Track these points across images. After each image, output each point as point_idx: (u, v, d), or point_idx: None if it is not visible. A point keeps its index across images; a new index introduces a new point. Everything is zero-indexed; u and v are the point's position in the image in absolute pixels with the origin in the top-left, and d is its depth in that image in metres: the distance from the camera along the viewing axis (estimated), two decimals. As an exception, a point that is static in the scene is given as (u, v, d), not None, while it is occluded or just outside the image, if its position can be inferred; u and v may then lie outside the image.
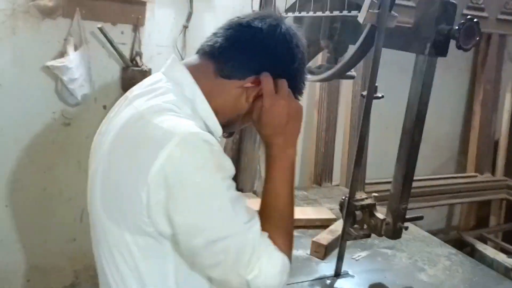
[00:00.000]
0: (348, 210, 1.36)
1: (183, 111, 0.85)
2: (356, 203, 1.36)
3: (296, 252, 1.52)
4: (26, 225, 2.09)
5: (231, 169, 0.83)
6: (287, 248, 0.88)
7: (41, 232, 2.11)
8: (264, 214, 0.89)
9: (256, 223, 0.85)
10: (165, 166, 0.77)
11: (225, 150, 2.09)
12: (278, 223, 0.90)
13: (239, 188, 2.00)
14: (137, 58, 2.06)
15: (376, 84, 1.32)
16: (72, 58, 1.86)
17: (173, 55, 0.99)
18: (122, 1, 2.00)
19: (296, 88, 0.99)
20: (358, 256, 1.59)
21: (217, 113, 0.91)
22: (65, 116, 2.05)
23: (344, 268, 1.44)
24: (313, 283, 1.40)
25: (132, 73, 2.05)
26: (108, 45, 1.99)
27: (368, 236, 1.41)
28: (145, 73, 2.10)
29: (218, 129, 0.91)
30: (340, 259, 1.42)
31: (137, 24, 2.05)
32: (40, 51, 1.89)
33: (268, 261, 0.84)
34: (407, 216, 1.40)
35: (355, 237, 1.37)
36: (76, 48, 1.89)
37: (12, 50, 1.87)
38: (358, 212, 1.35)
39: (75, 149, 2.10)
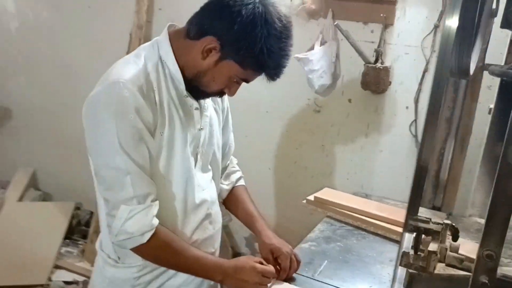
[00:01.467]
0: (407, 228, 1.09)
1: (145, 66, 1.07)
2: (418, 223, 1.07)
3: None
4: (280, 186, 2.58)
5: (134, 119, 1.01)
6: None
7: (288, 194, 2.55)
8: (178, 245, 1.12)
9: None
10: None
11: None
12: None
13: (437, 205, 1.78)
14: (380, 57, 2.12)
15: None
16: (315, 52, 2.16)
17: (170, 23, 1.15)
18: (372, 1, 2.10)
19: (258, 66, 1.02)
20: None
21: (183, 69, 1.09)
22: (317, 104, 2.38)
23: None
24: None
25: (373, 71, 2.13)
26: (359, 42, 2.14)
27: (424, 270, 1.06)
28: (387, 71, 2.13)
29: (182, 84, 1.09)
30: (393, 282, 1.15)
31: (385, 23, 2.10)
32: (298, 45, 2.28)
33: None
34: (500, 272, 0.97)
35: (408, 265, 1.08)
36: (322, 44, 2.18)
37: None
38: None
39: (321, 133, 2.39)
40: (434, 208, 1.79)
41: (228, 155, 1.39)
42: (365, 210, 1.62)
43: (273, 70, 1.06)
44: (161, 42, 1.11)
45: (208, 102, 1.21)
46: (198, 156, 1.19)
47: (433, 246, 1.03)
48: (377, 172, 2.30)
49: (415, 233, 1.08)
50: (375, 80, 2.12)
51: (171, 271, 1.18)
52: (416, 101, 2.13)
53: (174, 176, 1.12)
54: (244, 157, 1.56)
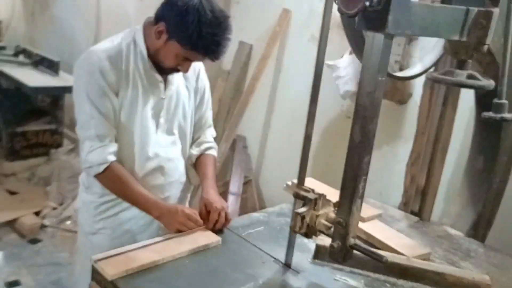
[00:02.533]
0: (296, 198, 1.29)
1: (120, 43, 1.46)
2: (302, 192, 1.26)
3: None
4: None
5: (98, 78, 1.40)
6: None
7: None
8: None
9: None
10: None
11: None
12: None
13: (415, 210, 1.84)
14: (402, 68, 2.21)
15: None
16: (343, 60, 2.34)
17: (148, 16, 1.50)
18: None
19: (191, 45, 1.36)
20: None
21: (148, 48, 1.45)
22: (349, 111, 2.53)
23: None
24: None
25: (390, 81, 2.23)
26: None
27: (307, 236, 1.24)
28: (404, 82, 2.22)
29: (145, 58, 1.47)
30: (289, 248, 1.33)
31: (410, 37, 2.19)
32: (334, 54, 2.46)
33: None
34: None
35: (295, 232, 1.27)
36: (351, 53, 2.35)
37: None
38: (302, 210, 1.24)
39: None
40: (412, 213, 1.85)
41: (204, 128, 1.71)
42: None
43: (205, 50, 1.38)
44: (137, 29, 1.49)
45: (176, 80, 1.55)
46: (161, 120, 1.54)
47: (302, 210, 1.21)
48: (395, 182, 2.36)
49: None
50: (392, 90, 2.22)
51: (125, 204, 1.54)
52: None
53: (134, 129, 1.49)
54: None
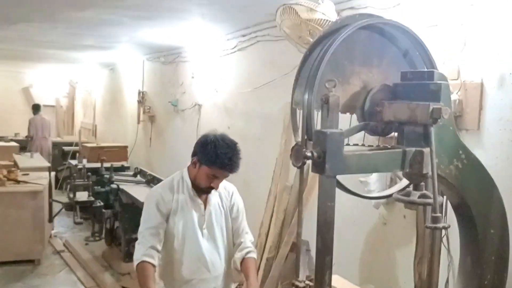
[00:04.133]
0: None
1: (172, 181, 2.21)
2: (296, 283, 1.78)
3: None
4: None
5: (153, 208, 2.13)
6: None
7: None
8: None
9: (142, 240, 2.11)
10: None
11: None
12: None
13: None
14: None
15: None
16: (372, 177, 2.86)
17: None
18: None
19: (211, 163, 2.09)
20: None
21: (191, 180, 2.19)
22: (384, 218, 2.97)
23: None
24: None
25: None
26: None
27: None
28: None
29: (190, 186, 2.19)
30: (293, 326, 1.82)
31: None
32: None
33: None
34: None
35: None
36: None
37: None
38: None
39: (389, 245, 2.93)
40: (420, 306, 2.20)
41: (242, 234, 2.33)
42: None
43: (222, 165, 2.10)
44: (184, 170, 2.26)
45: (213, 202, 2.25)
46: (204, 231, 2.21)
47: (293, 294, 1.72)
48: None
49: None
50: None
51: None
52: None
53: (185, 238, 2.19)
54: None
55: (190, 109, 5.81)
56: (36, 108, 10.75)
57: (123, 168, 6.50)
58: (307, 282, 1.76)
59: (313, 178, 3.49)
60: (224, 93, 5.02)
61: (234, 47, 4.73)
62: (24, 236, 5.24)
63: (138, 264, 2.12)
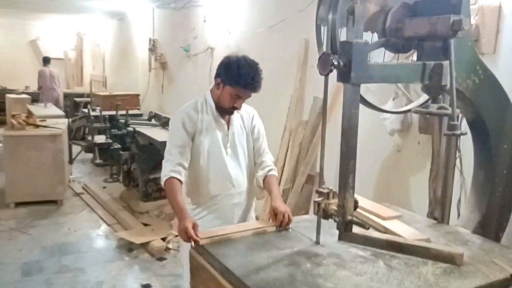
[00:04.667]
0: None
1: (196, 102, 2.32)
2: (320, 190, 1.91)
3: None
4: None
5: (180, 127, 2.25)
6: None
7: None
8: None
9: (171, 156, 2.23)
10: None
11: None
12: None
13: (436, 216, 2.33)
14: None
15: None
16: (388, 105, 2.94)
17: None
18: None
19: (235, 83, 2.19)
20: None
21: (215, 101, 2.29)
22: (399, 145, 3.08)
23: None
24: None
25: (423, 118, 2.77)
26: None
27: (325, 218, 1.87)
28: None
29: (213, 108, 2.30)
30: (318, 230, 1.96)
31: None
32: (378, 101, 3.06)
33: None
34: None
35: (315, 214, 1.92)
36: (394, 99, 2.94)
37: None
38: (318, 198, 1.90)
39: (403, 171, 3.06)
40: (434, 218, 2.34)
41: (263, 154, 2.45)
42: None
43: (245, 84, 2.18)
44: (207, 92, 2.35)
45: (235, 123, 2.36)
46: (228, 150, 2.34)
47: (318, 199, 1.85)
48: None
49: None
50: (426, 126, 2.75)
51: (212, 207, 2.34)
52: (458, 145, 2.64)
53: (213, 157, 2.31)
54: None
55: (203, 53, 5.84)
56: (45, 60, 10.84)
57: (137, 115, 6.62)
58: (330, 187, 1.88)
59: (330, 108, 3.58)
60: (237, 34, 5.04)
61: (247, -14, 4.72)
62: (46, 178, 5.44)
63: (166, 180, 2.24)
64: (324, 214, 1.87)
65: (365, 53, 1.65)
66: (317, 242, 1.97)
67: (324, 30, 1.88)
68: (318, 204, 1.86)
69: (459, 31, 1.72)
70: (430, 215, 2.39)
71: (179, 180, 2.26)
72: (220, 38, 5.44)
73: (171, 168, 2.26)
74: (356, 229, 1.85)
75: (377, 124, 3.09)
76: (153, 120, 5.96)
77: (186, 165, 2.30)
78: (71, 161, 5.73)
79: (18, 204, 5.47)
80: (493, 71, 2.42)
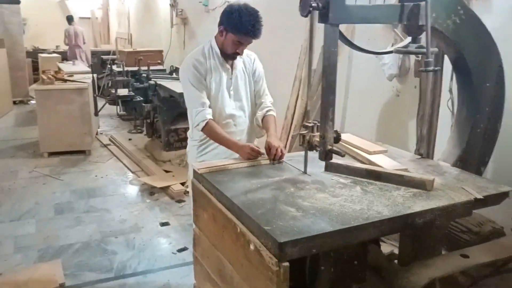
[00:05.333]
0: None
1: (203, 49, 2.49)
2: (305, 124, 2.11)
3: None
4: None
5: (193, 70, 2.44)
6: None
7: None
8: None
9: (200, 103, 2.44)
10: None
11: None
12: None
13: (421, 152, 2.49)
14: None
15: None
16: (386, 49, 3.05)
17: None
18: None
19: (237, 30, 2.34)
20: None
21: (219, 48, 2.46)
22: (398, 90, 3.21)
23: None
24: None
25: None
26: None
27: (310, 149, 2.07)
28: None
29: (219, 53, 2.47)
30: (305, 161, 2.17)
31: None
32: (377, 47, 3.17)
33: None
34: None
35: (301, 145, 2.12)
36: (392, 45, 3.05)
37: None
38: (303, 131, 2.10)
39: (402, 114, 3.20)
40: (420, 155, 2.50)
41: (263, 96, 2.65)
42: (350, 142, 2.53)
43: (246, 31, 2.35)
44: (212, 39, 2.52)
45: (238, 67, 2.54)
46: (231, 92, 2.53)
47: (303, 132, 2.05)
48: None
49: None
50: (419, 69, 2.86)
51: (213, 145, 2.55)
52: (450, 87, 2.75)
53: (218, 97, 2.51)
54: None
55: (220, 7, 5.93)
56: (69, 19, 11.19)
57: (160, 70, 6.86)
58: (314, 121, 2.07)
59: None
60: (251, -14, 5.13)
61: None
62: (75, 129, 5.81)
63: (206, 123, 2.46)
64: (309, 145, 2.07)
65: (342, -6, 1.79)
66: (305, 172, 2.18)
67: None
68: (303, 136, 2.06)
69: (434, -28, 1.83)
70: (417, 151, 2.55)
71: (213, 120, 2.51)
72: (237, -10, 5.53)
73: (205, 111, 2.47)
74: (342, 160, 2.05)
75: (377, 70, 3.21)
76: (174, 74, 6.18)
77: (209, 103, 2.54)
78: (96, 113, 6.06)
79: (51, 154, 5.88)
80: (487, 14, 2.51)
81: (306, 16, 1.80)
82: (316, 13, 1.81)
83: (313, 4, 1.76)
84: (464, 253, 1.99)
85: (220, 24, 2.47)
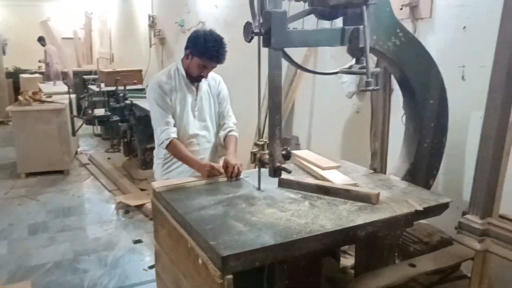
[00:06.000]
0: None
1: (170, 70, 2.59)
2: (257, 142, 2.21)
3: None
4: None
5: (159, 90, 2.53)
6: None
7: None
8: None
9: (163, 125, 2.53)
10: None
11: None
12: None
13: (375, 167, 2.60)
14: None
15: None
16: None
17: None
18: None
19: (202, 55, 2.44)
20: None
21: (186, 69, 2.57)
22: (358, 108, 3.33)
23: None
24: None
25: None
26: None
27: (262, 166, 2.16)
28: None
29: (184, 76, 2.56)
30: (259, 178, 2.26)
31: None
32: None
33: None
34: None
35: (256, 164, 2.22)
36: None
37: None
38: (254, 149, 2.20)
39: (362, 130, 3.31)
40: (374, 170, 2.61)
41: (226, 117, 2.75)
42: (307, 158, 2.64)
43: (211, 56, 2.46)
44: (178, 61, 2.62)
45: (203, 89, 2.64)
46: (196, 113, 2.63)
47: (254, 150, 2.15)
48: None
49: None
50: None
51: (177, 164, 2.63)
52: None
53: (182, 118, 2.61)
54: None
55: (195, 28, 6.08)
56: (42, 39, 11.31)
57: (139, 90, 6.94)
58: (265, 140, 2.17)
59: (296, 78, 3.85)
60: (223, 8, 5.27)
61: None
62: (53, 149, 5.86)
63: (169, 142, 2.55)
64: (260, 162, 2.17)
65: (283, 20, 1.90)
66: (259, 188, 2.27)
67: (256, 2, 2.14)
68: (254, 154, 2.16)
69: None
70: (371, 166, 2.66)
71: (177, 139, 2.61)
72: (209, 12, 5.67)
73: (169, 130, 2.57)
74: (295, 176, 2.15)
75: (338, 88, 3.34)
76: (150, 93, 6.26)
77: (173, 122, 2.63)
78: (74, 133, 6.11)
79: (29, 174, 5.91)
80: (431, 34, 2.66)
81: (249, 41, 1.91)
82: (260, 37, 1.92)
83: (255, 30, 1.87)
84: (413, 262, 2.10)
85: (186, 48, 2.58)
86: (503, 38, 1.95)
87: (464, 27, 2.46)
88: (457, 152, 2.57)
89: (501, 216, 2.04)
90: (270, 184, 2.29)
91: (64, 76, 10.85)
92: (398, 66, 2.27)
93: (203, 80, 2.67)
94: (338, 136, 3.54)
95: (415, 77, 2.31)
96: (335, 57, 3.44)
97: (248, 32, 1.88)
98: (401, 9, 2.72)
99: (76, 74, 10.78)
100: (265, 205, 2.06)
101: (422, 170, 2.46)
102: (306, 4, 2.19)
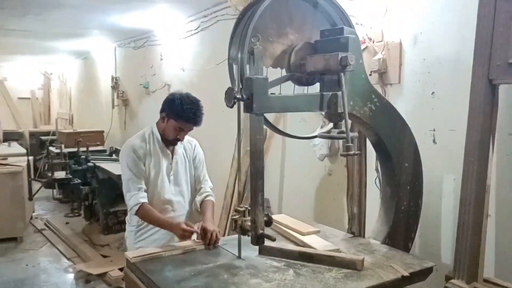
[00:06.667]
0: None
1: (144, 133, 2.53)
2: (237, 208, 2.14)
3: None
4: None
5: (132, 154, 2.45)
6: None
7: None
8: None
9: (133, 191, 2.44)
10: None
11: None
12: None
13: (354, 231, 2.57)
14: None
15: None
16: (317, 132, 3.23)
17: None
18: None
19: (178, 117, 2.40)
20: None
21: (161, 133, 2.51)
22: (330, 170, 3.35)
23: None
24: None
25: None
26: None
27: (243, 233, 2.08)
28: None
29: (159, 139, 2.50)
30: (239, 246, 2.18)
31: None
32: (308, 131, 3.35)
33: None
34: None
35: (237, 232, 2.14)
36: (322, 127, 3.23)
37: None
38: (235, 215, 2.13)
39: (335, 192, 3.32)
40: (352, 233, 2.58)
41: (203, 181, 2.69)
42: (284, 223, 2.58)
43: (187, 119, 2.42)
44: (153, 125, 2.57)
45: (179, 153, 2.58)
46: (171, 178, 2.55)
47: (235, 217, 2.08)
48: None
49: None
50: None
51: (154, 229, 2.51)
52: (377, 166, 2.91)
53: (157, 183, 2.52)
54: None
55: (160, 90, 6.09)
56: None
57: (101, 151, 6.78)
58: (245, 206, 2.11)
59: (267, 141, 3.86)
60: (190, 71, 5.33)
61: (197, 27, 5.04)
62: (6, 215, 5.51)
63: (139, 206, 2.45)
64: (241, 229, 2.09)
65: (264, 86, 1.91)
66: (239, 256, 2.18)
67: (235, 68, 2.16)
68: (235, 221, 2.08)
69: (347, 66, 2.01)
70: (349, 230, 2.63)
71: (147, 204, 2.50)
72: (175, 75, 5.72)
73: (138, 195, 2.47)
74: (275, 243, 2.08)
75: (310, 150, 3.36)
76: (114, 155, 6.12)
77: (145, 188, 2.53)
78: (30, 197, 5.81)
79: (-22, 243, 5.49)
80: (400, 99, 2.75)
81: (231, 107, 1.90)
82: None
83: (237, 96, 1.87)
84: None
85: (162, 110, 2.54)
86: (475, 105, 2.04)
87: (433, 93, 2.57)
88: (432, 215, 2.60)
89: (486, 280, 2.04)
90: (249, 251, 2.20)
91: (18, 137, 10.47)
92: (374, 130, 2.31)
93: (179, 143, 2.62)
94: (311, 198, 3.53)
95: (389, 140, 2.35)
96: (305, 119, 3.49)
97: (231, 98, 1.88)
98: (370, 75, 2.83)
99: (32, 134, 10.43)
100: (249, 275, 1.97)
101: (400, 234, 2.45)
102: (283, 70, 2.24)
